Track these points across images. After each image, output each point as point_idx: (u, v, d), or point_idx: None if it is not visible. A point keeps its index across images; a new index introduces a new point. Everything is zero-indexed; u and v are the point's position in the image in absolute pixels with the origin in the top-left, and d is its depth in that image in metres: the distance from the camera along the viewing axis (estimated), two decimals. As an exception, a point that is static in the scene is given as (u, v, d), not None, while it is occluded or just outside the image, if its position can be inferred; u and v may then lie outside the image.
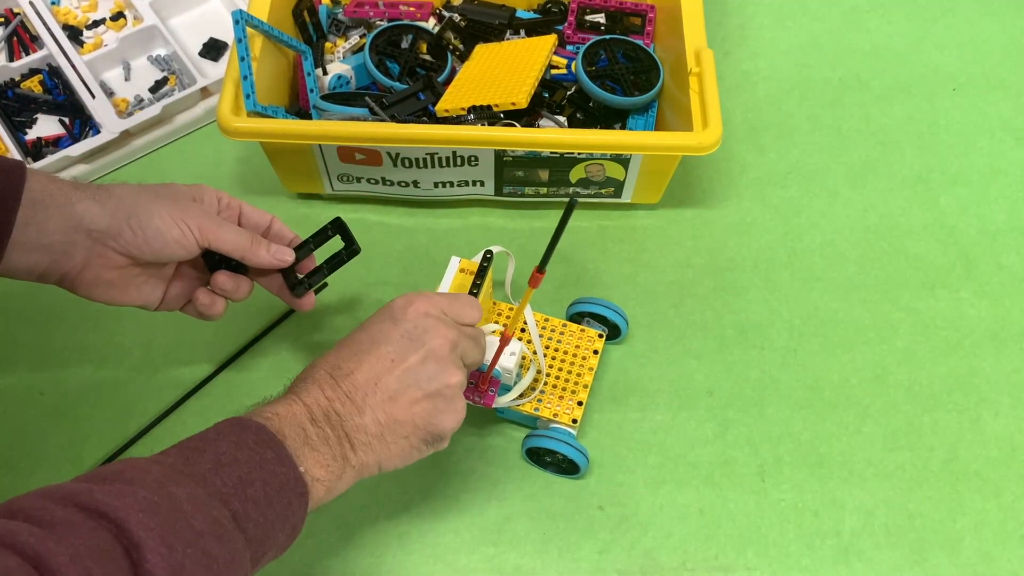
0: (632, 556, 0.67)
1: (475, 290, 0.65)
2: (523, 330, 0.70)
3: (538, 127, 0.81)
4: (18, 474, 0.70)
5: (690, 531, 0.68)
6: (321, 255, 0.66)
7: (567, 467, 0.69)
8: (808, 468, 0.71)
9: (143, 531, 0.39)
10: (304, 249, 0.65)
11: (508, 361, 0.64)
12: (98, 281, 0.59)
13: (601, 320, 0.74)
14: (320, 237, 0.65)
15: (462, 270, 0.70)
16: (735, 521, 0.69)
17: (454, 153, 0.76)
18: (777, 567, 0.67)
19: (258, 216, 0.65)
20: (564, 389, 0.69)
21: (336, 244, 0.66)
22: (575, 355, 0.70)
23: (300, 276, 0.65)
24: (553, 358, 0.70)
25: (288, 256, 0.63)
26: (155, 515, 0.40)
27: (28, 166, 0.55)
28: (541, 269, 0.53)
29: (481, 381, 0.65)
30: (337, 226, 0.65)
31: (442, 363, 0.53)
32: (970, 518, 0.69)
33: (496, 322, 0.72)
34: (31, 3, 0.92)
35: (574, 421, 0.67)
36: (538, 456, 0.69)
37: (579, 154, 0.76)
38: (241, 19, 0.75)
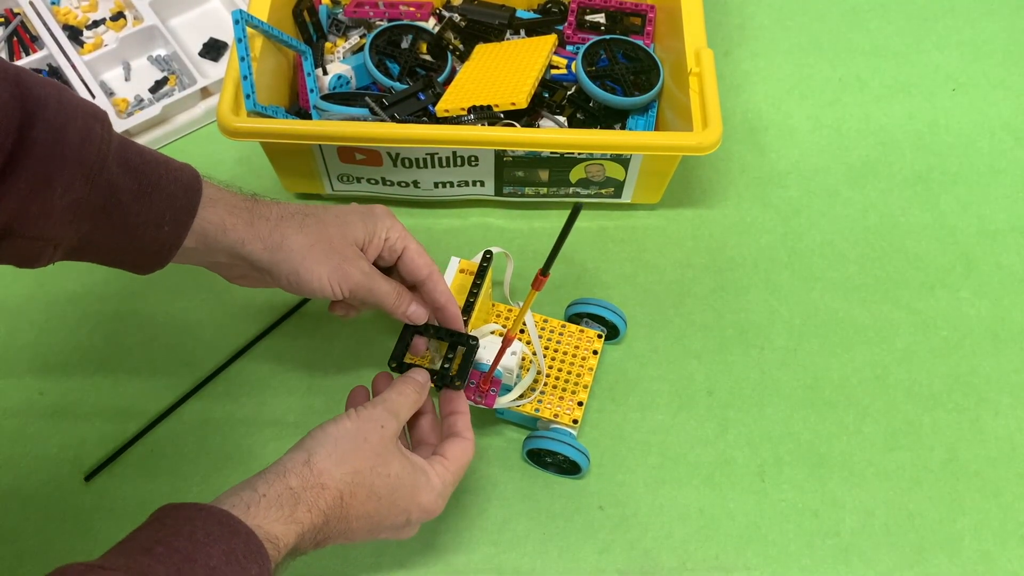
0: (632, 556, 0.67)
1: (475, 290, 0.65)
2: (522, 331, 0.70)
3: (538, 127, 0.81)
4: (19, 474, 0.70)
5: (690, 531, 0.68)
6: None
7: (568, 467, 0.69)
8: (808, 468, 0.71)
9: None
10: (436, 332, 0.63)
11: (510, 361, 0.64)
12: (246, 281, 0.63)
13: (600, 320, 0.74)
14: (453, 338, 0.63)
15: (462, 271, 0.70)
16: (735, 521, 0.69)
17: (454, 153, 0.76)
18: (777, 567, 0.67)
19: (421, 261, 0.62)
20: (564, 390, 0.69)
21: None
22: (574, 355, 0.70)
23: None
24: (553, 359, 0.70)
25: (420, 319, 0.63)
26: None
27: (204, 181, 0.57)
28: (545, 272, 0.53)
29: (482, 381, 0.65)
30: (471, 347, 0.62)
31: (416, 529, 0.58)
32: (970, 518, 0.69)
33: (495, 323, 0.72)
34: (31, 3, 0.92)
35: (575, 421, 0.67)
36: (539, 457, 0.69)
37: (579, 154, 0.76)
38: (241, 19, 0.75)
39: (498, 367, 0.64)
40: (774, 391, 0.75)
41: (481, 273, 0.66)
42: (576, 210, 0.49)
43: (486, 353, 0.64)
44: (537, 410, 0.67)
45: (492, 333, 0.67)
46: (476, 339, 0.62)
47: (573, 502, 0.69)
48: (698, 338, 0.78)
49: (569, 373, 0.69)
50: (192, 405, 0.74)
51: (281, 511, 0.49)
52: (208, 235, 0.56)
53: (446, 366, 0.61)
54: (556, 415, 0.67)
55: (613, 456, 0.71)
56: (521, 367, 0.67)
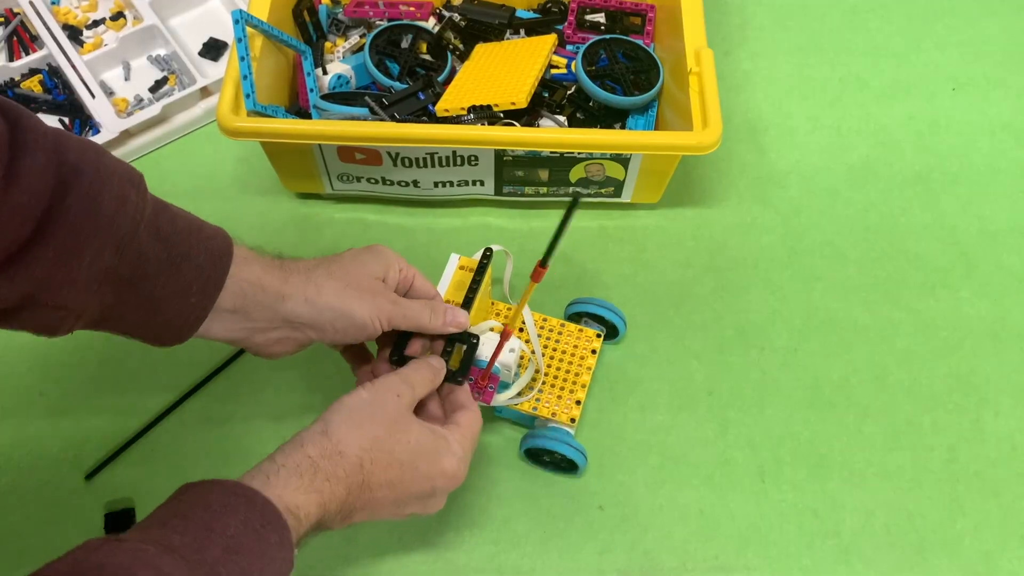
0: (632, 556, 0.67)
1: (474, 286, 0.65)
2: (521, 329, 0.70)
3: (538, 127, 0.81)
4: (19, 474, 0.70)
5: (690, 531, 0.68)
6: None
7: (566, 466, 0.69)
8: (808, 468, 0.71)
9: None
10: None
11: (508, 357, 0.64)
12: (280, 346, 0.60)
13: (599, 320, 0.74)
14: (452, 336, 0.63)
15: (461, 267, 0.70)
16: (735, 521, 0.69)
17: (454, 153, 0.76)
18: (777, 567, 0.67)
19: (426, 288, 0.63)
20: (562, 388, 0.69)
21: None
22: (573, 355, 0.70)
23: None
24: (551, 358, 0.70)
25: (463, 318, 0.62)
26: None
27: (235, 245, 0.56)
28: (544, 263, 0.53)
29: (480, 378, 0.65)
30: (472, 345, 0.62)
31: (443, 500, 0.58)
32: (970, 518, 0.69)
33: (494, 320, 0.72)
34: (31, 3, 0.92)
35: (572, 420, 0.67)
36: (536, 455, 0.69)
37: (579, 154, 0.76)
38: (241, 19, 0.75)
39: (496, 364, 0.64)
40: (774, 391, 0.75)
41: (480, 270, 0.66)
42: (575, 201, 0.48)
43: (485, 349, 0.64)
44: (535, 408, 0.67)
45: (491, 330, 0.67)
46: (477, 337, 0.63)
47: (573, 502, 0.69)
48: (698, 338, 0.78)
49: (568, 372, 0.69)
50: (192, 404, 0.74)
51: (301, 480, 0.49)
52: (247, 295, 0.55)
53: (445, 358, 0.61)
54: (554, 414, 0.67)
55: (613, 456, 0.71)
56: (520, 365, 0.67)
